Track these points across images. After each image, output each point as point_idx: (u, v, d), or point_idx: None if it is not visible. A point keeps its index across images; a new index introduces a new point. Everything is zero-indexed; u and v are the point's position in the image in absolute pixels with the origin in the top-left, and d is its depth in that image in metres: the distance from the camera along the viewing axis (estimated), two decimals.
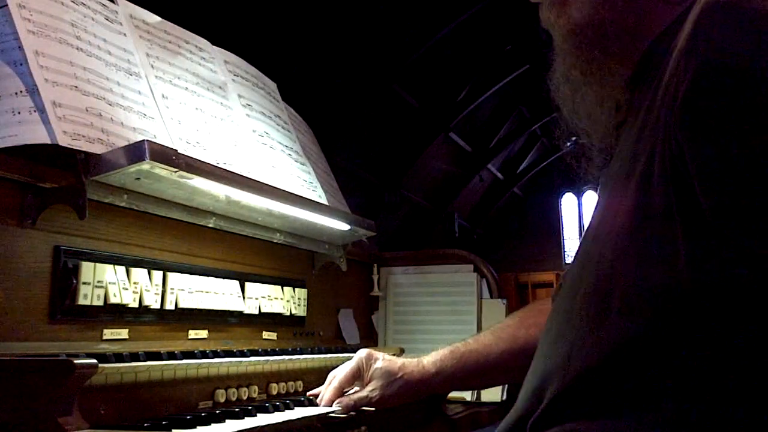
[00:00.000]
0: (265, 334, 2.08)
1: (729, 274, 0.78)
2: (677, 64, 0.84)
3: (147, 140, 1.45)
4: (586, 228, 1.04)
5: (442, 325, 2.80)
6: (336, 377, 1.74)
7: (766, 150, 0.75)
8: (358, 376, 1.73)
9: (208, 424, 1.39)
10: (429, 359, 1.71)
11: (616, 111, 1.06)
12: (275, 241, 2.13)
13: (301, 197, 2.03)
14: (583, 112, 1.10)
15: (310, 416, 1.63)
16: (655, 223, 0.86)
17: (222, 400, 1.71)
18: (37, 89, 1.45)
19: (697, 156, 0.80)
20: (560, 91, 1.12)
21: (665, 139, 0.84)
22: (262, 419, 1.50)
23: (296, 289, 2.22)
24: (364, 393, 1.69)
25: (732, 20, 0.79)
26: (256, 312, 2.02)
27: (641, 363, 0.86)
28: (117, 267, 1.57)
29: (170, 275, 1.72)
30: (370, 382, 1.71)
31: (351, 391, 1.75)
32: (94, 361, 1.25)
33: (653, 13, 1.00)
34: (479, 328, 2.74)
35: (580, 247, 1.06)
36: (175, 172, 1.50)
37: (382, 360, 1.72)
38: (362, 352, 1.74)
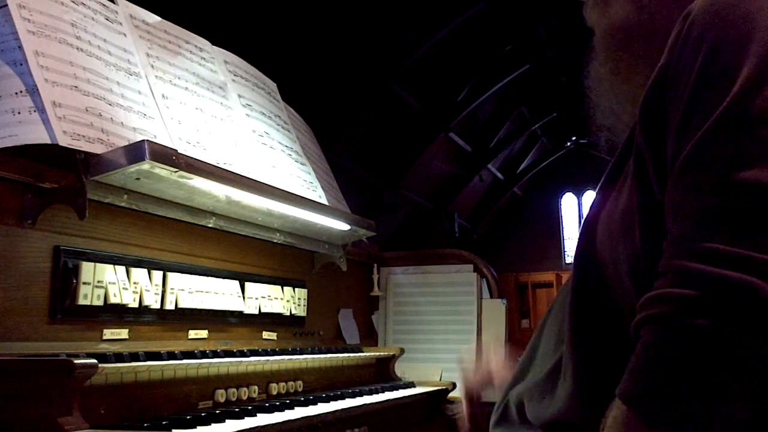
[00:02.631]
0: (265, 334, 2.08)
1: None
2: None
3: (147, 140, 1.45)
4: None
5: (442, 325, 2.80)
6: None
7: (693, 149, 0.77)
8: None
9: (208, 424, 1.39)
10: None
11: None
12: (275, 241, 2.13)
13: (301, 197, 2.03)
14: (608, 108, 1.14)
15: (310, 416, 1.63)
16: (624, 214, 0.90)
17: (222, 400, 1.71)
18: (37, 89, 1.45)
19: (650, 152, 0.85)
20: (591, 87, 1.17)
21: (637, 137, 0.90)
22: (262, 419, 1.51)
23: (296, 289, 2.22)
24: None
25: (699, 20, 0.83)
26: (256, 312, 2.02)
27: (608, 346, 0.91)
28: (117, 267, 1.57)
29: (170, 275, 1.72)
30: None
31: None
32: (94, 361, 1.25)
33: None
34: (479, 328, 2.74)
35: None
36: (175, 172, 1.50)
37: None
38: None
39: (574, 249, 1.01)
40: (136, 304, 1.61)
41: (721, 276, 0.69)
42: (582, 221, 1.04)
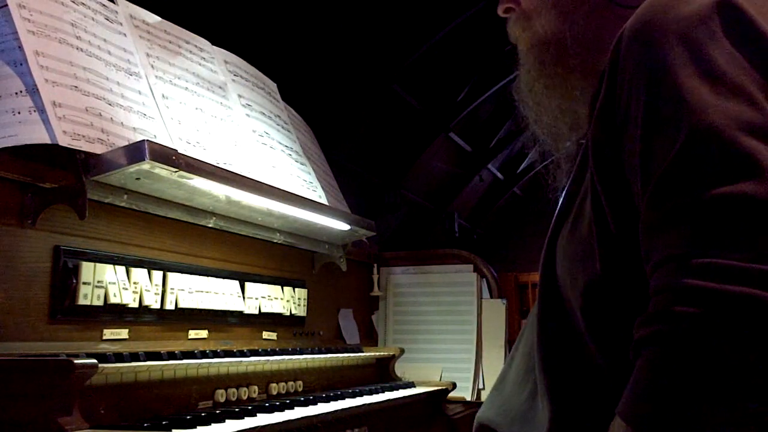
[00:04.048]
0: (265, 334, 2.08)
1: (631, 279, 0.80)
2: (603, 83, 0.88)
3: (147, 140, 1.45)
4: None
5: (442, 325, 2.80)
6: None
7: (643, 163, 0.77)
8: None
9: (208, 424, 1.39)
10: None
11: (577, 124, 1.09)
12: (275, 241, 2.13)
13: (301, 197, 2.03)
14: (545, 123, 1.13)
15: (310, 416, 1.63)
16: (583, 241, 0.89)
17: (222, 400, 1.71)
18: (37, 89, 1.45)
19: (603, 186, 0.85)
20: (524, 102, 1.16)
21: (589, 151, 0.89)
22: (262, 419, 1.51)
23: (296, 289, 2.22)
24: None
25: (636, 42, 0.83)
26: (256, 312, 2.02)
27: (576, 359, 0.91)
28: (117, 267, 1.57)
29: (170, 275, 1.72)
30: None
31: None
32: (94, 361, 1.25)
33: (613, 27, 0.99)
34: (479, 328, 2.74)
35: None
36: (175, 172, 1.50)
37: None
38: None
39: (539, 271, 1.00)
40: (136, 304, 1.61)
41: (722, 291, 0.68)
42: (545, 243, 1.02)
